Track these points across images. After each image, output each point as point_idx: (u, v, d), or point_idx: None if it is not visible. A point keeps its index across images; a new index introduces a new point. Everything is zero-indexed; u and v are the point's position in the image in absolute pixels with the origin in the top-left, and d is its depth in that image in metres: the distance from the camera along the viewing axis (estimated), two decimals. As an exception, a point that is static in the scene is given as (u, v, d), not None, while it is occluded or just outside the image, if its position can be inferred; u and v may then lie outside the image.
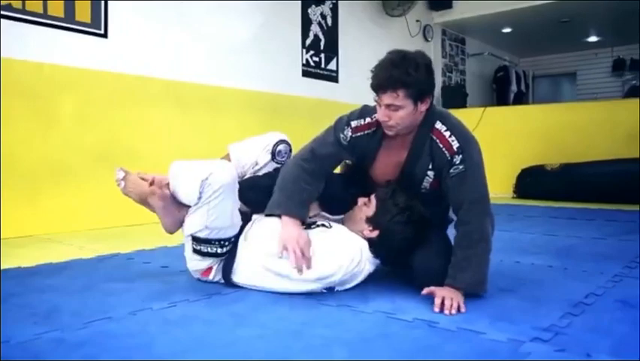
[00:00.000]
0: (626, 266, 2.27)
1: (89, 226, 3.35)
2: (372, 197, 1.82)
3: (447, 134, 1.74)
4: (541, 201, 5.41)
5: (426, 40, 6.80)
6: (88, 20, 3.42)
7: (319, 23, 5.24)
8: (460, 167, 1.71)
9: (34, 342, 1.36)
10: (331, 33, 5.38)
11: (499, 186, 6.24)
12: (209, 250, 1.82)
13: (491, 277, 2.10)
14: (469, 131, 1.80)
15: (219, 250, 1.82)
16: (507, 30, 7.49)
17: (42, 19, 3.20)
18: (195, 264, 1.88)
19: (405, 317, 1.54)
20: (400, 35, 6.31)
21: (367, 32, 5.83)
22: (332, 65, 5.37)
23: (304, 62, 5.08)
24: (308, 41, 5.12)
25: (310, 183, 1.83)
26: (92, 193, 3.37)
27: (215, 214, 1.77)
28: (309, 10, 5.12)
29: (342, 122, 1.85)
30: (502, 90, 8.10)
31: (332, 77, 5.37)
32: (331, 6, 5.35)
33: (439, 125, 1.76)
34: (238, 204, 1.86)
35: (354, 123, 1.82)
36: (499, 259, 2.46)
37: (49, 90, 3.25)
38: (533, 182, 5.73)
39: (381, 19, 6.00)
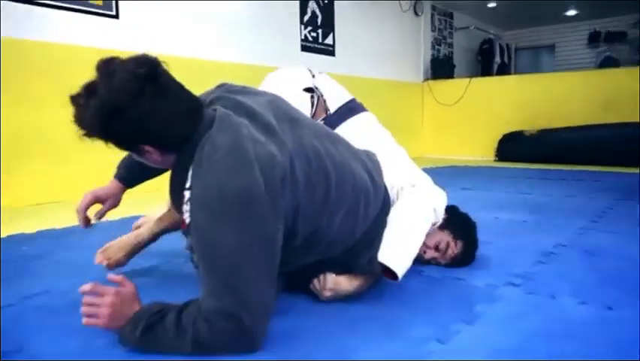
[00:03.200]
0: (592, 220, 2.36)
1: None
2: None
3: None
4: (520, 163, 5.48)
5: (416, 14, 6.73)
6: (100, 3, 3.41)
7: (316, 0, 5.18)
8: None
9: (74, 291, 1.43)
10: (327, 9, 5.33)
11: (482, 150, 6.31)
12: None
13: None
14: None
15: None
16: (492, 5, 7.39)
17: (59, 3, 3.20)
18: None
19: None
20: (392, 11, 6.23)
21: (361, 8, 5.75)
22: (329, 40, 5.33)
23: (303, 37, 5.05)
24: (306, 18, 5.08)
25: None
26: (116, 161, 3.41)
27: None
28: (307, -12, 5.07)
29: None
30: (487, 62, 8.05)
31: (329, 51, 5.34)
32: (327, -16, 5.29)
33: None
34: None
35: None
36: (479, 216, 2.55)
37: (68, 70, 3.25)
38: (513, 146, 5.79)
39: (374, -5, 5.93)
